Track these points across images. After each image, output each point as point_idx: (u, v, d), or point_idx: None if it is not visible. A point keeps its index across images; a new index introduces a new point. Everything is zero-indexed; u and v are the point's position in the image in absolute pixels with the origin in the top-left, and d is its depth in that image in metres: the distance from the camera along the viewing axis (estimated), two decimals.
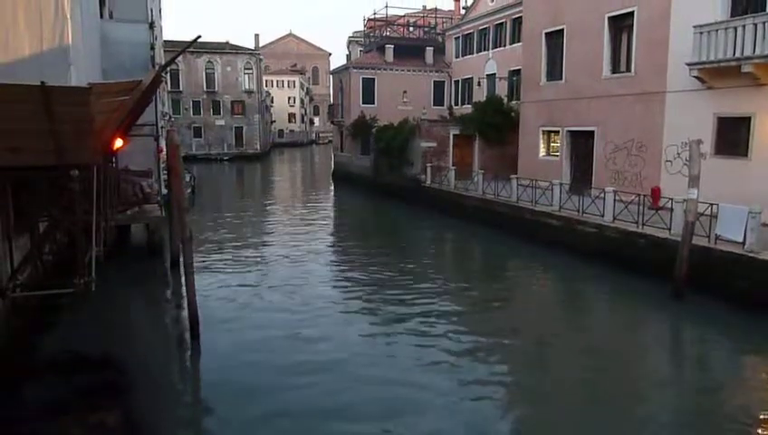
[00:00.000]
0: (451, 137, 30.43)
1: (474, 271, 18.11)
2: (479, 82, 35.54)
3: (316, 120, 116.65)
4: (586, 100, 22.06)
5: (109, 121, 8.57)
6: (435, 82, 39.59)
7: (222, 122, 65.43)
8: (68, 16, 11.52)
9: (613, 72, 21.00)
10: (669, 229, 14.54)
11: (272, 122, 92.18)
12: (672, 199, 14.81)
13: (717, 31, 15.99)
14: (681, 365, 10.89)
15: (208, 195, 35.24)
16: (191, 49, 54.00)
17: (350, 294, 14.36)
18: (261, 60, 71.88)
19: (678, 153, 18.18)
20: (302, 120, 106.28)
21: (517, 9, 29.97)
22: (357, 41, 50.63)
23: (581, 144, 22.60)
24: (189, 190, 25.84)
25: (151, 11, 26.02)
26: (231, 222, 25.41)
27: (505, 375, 9.90)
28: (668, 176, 18.61)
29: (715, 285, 12.84)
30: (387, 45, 39.72)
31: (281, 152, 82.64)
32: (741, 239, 12.69)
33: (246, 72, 66.28)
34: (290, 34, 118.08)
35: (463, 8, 43.59)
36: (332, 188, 40.72)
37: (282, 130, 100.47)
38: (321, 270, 16.68)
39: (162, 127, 21.80)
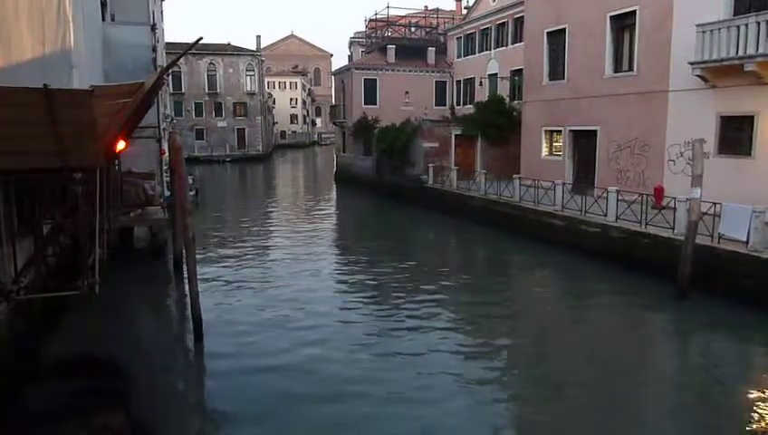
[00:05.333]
0: (453, 137, 30.41)
1: (476, 271, 18.08)
2: (481, 82, 35.51)
3: (318, 121, 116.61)
4: (588, 99, 22.02)
5: (111, 124, 8.57)
6: (437, 82, 39.59)
7: (224, 124, 65.50)
8: (70, 19, 11.52)
9: (615, 72, 20.96)
10: (673, 229, 14.51)
11: (274, 124, 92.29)
12: (675, 199, 14.77)
13: (720, 29, 15.95)
14: (685, 364, 10.83)
15: (211, 197, 35.26)
16: (193, 51, 54.03)
17: (354, 294, 14.35)
18: (262, 61, 71.93)
19: (681, 152, 18.13)
20: (305, 122, 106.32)
21: (519, 9, 29.94)
22: (358, 41, 50.58)
23: (584, 144, 22.56)
24: (193, 193, 25.84)
25: (153, 13, 26.09)
26: (234, 224, 25.46)
27: (508, 374, 9.88)
28: (671, 175, 18.57)
29: (719, 285, 12.80)
30: (388, 46, 39.73)
31: (283, 154, 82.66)
32: (744, 238, 12.67)
33: (248, 73, 66.34)
34: (291, 36, 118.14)
35: (464, 8, 43.60)
36: (335, 188, 40.72)
37: (284, 132, 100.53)
38: (325, 271, 16.67)
39: (164, 129, 21.82)
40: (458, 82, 38.81)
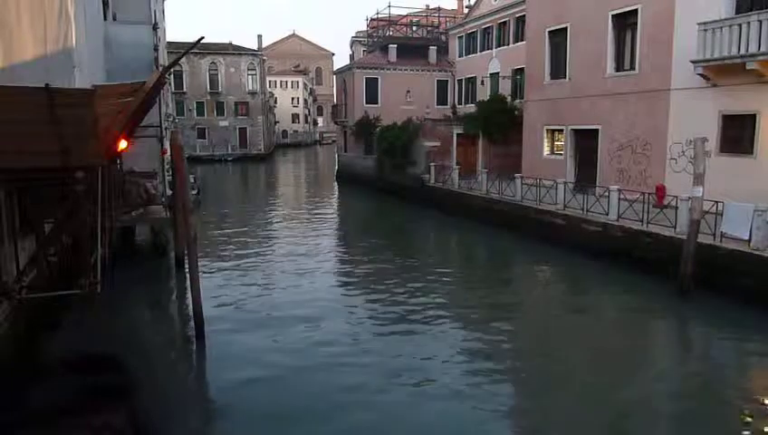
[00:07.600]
0: (455, 136, 30.41)
1: (478, 270, 18.08)
2: (483, 81, 35.48)
3: (320, 120, 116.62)
4: (590, 98, 22.00)
5: (113, 123, 8.57)
6: (438, 81, 39.54)
7: (226, 123, 65.52)
8: (72, 18, 11.55)
9: (617, 71, 20.93)
10: (675, 227, 14.50)
11: (275, 123, 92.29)
12: (677, 197, 14.76)
13: (722, 28, 15.92)
14: (687, 362, 10.82)
15: (213, 196, 35.29)
16: (194, 50, 54.09)
17: (355, 293, 14.37)
18: (264, 60, 71.93)
19: (683, 151, 18.10)
20: (306, 121, 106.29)
21: (520, 8, 29.90)
22: (360, 41, 50.56)
23: (585, 143, 22.53)
24: (195, 192, 25.86)
25: (154, 12, 26.08)
26: (236, 223, 25.46)
27: (509, 372, 9.88)
28: (673, 174, 18.53)
29: (721, 283, 12.79)
30: (390, 45, 39.69)
31: (285, 153, 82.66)
32: (747, 237, 12.66)
33: (250, 72, 66.34)
34: (293, 35, 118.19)
35: (466, 7, 43.51)
36: (336, 188, 40.73)
37: (285, 131, 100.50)
38: (327, 270, 16.70)
39: (166, 128, 21.83)
40: (460, 81, 38.77)
